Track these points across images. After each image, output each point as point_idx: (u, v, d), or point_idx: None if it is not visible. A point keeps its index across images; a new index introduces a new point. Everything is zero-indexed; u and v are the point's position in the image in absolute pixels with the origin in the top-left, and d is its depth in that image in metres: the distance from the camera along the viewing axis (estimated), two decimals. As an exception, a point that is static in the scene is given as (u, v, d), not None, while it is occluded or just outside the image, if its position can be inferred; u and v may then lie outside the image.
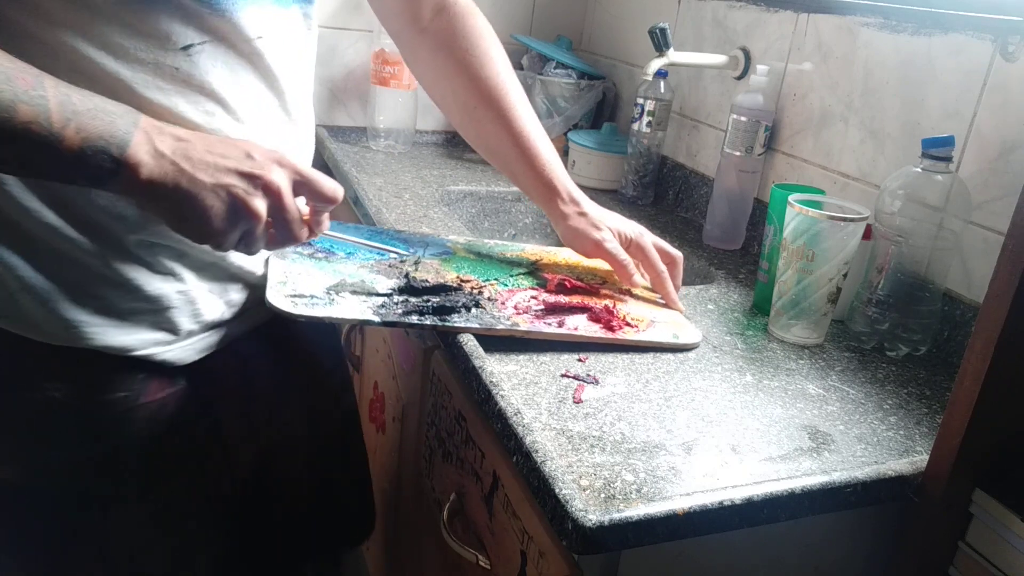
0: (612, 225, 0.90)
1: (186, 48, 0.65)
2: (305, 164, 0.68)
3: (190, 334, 0.75)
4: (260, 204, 0.64)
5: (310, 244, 0.89)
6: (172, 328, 0.73)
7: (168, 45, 0.64)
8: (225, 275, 0.76)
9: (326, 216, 0.72)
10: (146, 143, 0.59)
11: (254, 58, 0.70)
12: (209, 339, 0.77)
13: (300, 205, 0.69)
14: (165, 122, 0.64)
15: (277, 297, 0.74)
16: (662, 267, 0.89)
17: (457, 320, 0.77)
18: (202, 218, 0.62)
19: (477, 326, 0.76)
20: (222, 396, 0.81)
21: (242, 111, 0.71)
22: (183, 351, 0.75)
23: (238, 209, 0.63)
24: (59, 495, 0.74)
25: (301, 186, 0.67)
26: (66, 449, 0.72)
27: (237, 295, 0.78)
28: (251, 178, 0.63)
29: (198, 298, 0.74)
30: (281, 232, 0.67)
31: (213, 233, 0.63)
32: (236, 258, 0.76)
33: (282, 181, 0.65)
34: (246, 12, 0.67)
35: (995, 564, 0.64)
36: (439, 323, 0.76)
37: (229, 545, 0.86)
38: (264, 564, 0.94)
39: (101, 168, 0.58)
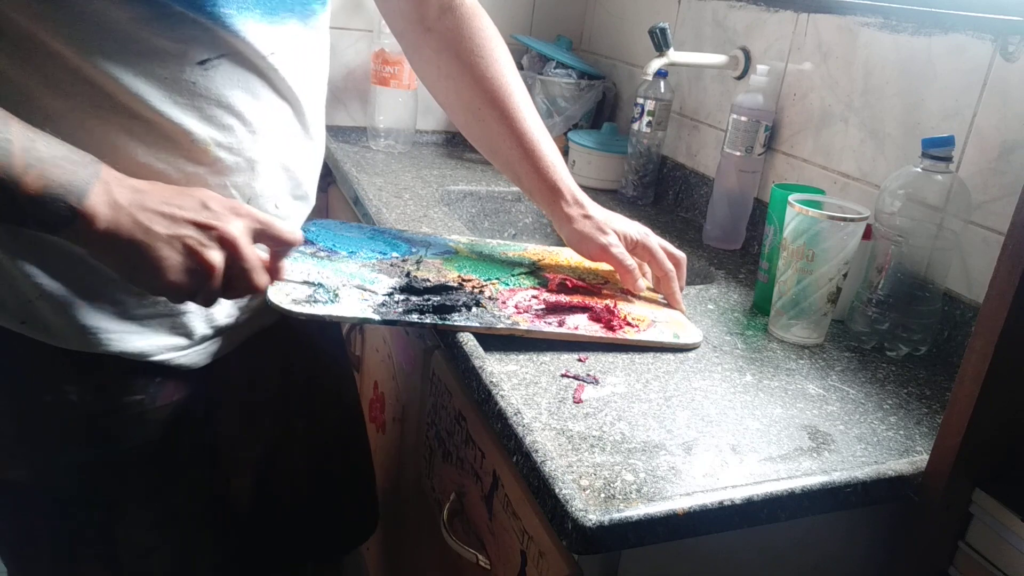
0: (617, 228, 0.89)
1: (203, 63, 0.65)
2: (261, 212, 0.67)
3: (204, 339, 0.76)
4: (216, 256, 0.62)
5: (310, 241, 0.89)
6: (187, 333, 0.74)
7: (185, 60, 0.65)
8: None
9: (286, 261, 0.71)
10: (104, 194, 0.58)
11: (270, 73, 0.70)
12: (221, 342, 0.78)
13: (260, 252, 0.68)
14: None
15: (279, 295, 0.74)
16: (670, 267, 0.89)
17: (457, 319, 0.77)
18: (156, 270, 0.61)
19: (477, 325, 0.76)
20: (230, 397, 0.82)
21: (259, 125, 0.71)
22: (197, 355, 0.76)
23: (193, 261, 0.62)
24: (67, 497, 0.74)
25: (260, 233, 0.66)
26: (77, 451, 0.73)
27: (251, 299, 0.79)
28: (206, 229, 0.62)
29: None
30: (240, 282, 0.65)
31: (168, 285, 0.62)
32: None
33: (238, 231, 0.63)
34: (250, 29, 0.67)
35: (995, 564, 0.64)
36: (439, 322, 0.76)
37: (232, 545, 0.86)
38: (265, 564, 0.94)
39: (58, 215, 0.57)
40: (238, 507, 0.86)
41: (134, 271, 0.62)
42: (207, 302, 0.66)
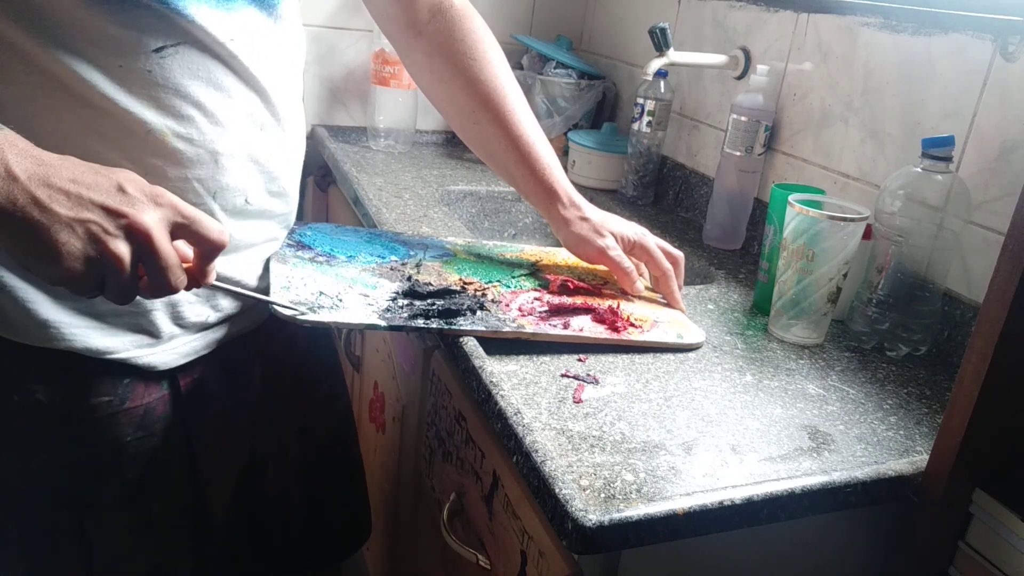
0: (614, 230, 0.89)
1: (158, 51, 0.64)
2: (187, 204, 0.60)
3: (172, 337, 0.74)
4: (122, 247, 0.56)
5: (302, 244, 0.88)
6: (153, 331, 0.72)
7: (139, 48, 0.63)
8: None
9: (213, 265, 0.63)
10: None
11: (232, 61, 0.69)
12: (194, 343, 0.76)
13: (183, 249, 0.62)
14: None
15: (283, 302, 0.74)
16: (668, 266, 0.89)
17: (463, 323, 0.77)
18: (52, 255, 0.54)
19: (483, 329, 0.76)
20: (209, 403, 0.80)
21: (222, 115, 0.69)
22: (166, 354, 0.74)
23: (96, 249, 0.55)
24: (42, 499, 0.73)
25: (182, 228, 0.59)
26: (49, 452, 0.71)
27: (224, 300, 0.77)
28: (116, 216, 0.55)
29: (179, 300, 0.73)
30: (154, 280, 0.59)
31: (65, 274, 0.55)
32: (221, 266, 0.73)
33: (153, 223, 0.56)
34: (204, 15, 0.65)
35: (995, 564, 0.64)
36: (445, 327, 0.76)
37: (215, 555, 0.84)
38: (255, 574, 0.93)
39: None
40: (219, 515, 0.84)
41: (28, 254, 0.55)
42: (120, 299, 0.59)
